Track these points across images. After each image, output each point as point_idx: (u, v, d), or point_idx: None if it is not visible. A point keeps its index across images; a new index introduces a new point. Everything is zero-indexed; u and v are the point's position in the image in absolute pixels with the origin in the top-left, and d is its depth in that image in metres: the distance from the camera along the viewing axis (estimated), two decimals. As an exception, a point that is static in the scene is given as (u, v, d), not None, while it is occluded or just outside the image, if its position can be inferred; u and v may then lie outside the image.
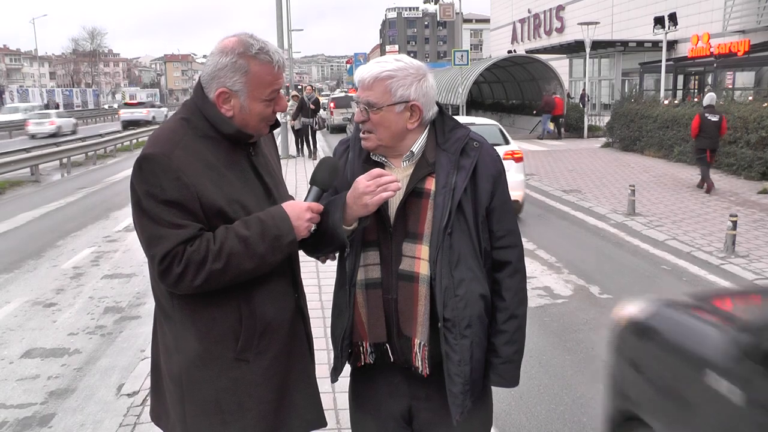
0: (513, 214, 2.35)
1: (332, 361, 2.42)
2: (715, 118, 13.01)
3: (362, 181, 2.13)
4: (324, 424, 2.40)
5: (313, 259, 2.42)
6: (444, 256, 2.16)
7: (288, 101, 12.16)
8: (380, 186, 2.11)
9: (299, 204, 2.17)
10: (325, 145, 26.12)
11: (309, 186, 2.24)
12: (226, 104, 2.13)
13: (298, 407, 2.31)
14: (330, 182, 2.25)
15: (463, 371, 2.20)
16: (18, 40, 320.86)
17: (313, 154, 21.02)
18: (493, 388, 2.44)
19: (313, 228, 2.19)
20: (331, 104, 34.70)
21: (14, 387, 5.31)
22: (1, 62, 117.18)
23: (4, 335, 6.50)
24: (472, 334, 2.21)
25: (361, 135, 2.27)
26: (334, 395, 4.29)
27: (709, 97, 13.65)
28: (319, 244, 2.25)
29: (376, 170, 2.15)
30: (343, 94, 39.42)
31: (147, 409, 4.42)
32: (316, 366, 2.46)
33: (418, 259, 2.20)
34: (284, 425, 2.28)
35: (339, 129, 32.34)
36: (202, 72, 2.19)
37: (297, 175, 16.55)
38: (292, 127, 21.25)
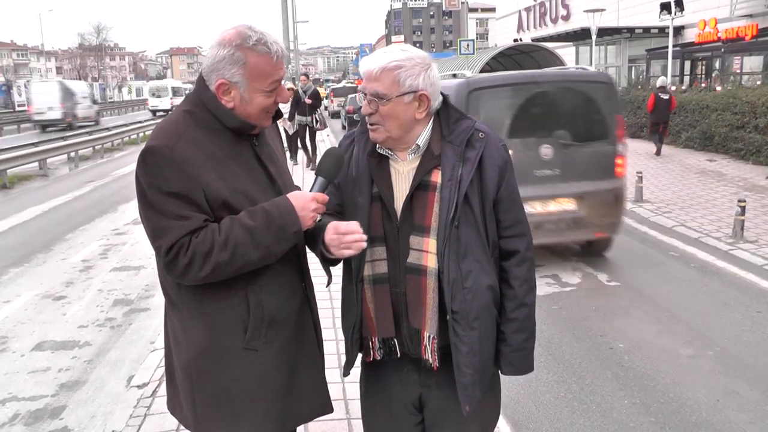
0: (520, 204, 2.33)
1: (342, 354, 2.43)
2: (665, 96, 16.27)
3: (329, 233, 2.13)
4: (330, 410, 2.42)
5: None
6: (451, 249, 2.16)
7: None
8: (343, 244, 2.10)
9: (304, 194, 2.17)
10: (331, 133, 26.08)
11: (315, 176, 2.24)
12: (226, 96, 2.14)
13: (306, 395, 2.33)
14: (335, 173, 2.25)
15: (472, 362, 2.20)
16: (25, 36, 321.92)
17: (312, 162, 16.51)
18: (502, 377, 2.44)
19: (318, 218, 2.19)
20: (331, 94, 40.52)
21: (26, 380, 5.34)
22: (8, 57, 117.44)
23: (15, 328, 6.54)
24: (480, 325, 2.21)
25: (369, 127, 2.24)
26: (344, 385, 4.29)
27: (661, 80, 17.23)
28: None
29: (345, 227, 2.12)
30: (341, 85, 43.79)
31: (157, 400, 4.46)
32: (325, 356, 2.47)
33: (426, 252, 2.20)
34: (293, 413, 2.30)
35: (335, 114, 36.44)
36: (203, 64, 2.19)
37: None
38: (286, 131, 16.62)
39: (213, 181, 2.07)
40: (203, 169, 2.07)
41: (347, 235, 2.10)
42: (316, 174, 2.23)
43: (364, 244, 2.12)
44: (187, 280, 2.09)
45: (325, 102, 32.63)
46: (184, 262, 2.03)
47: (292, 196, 2.16)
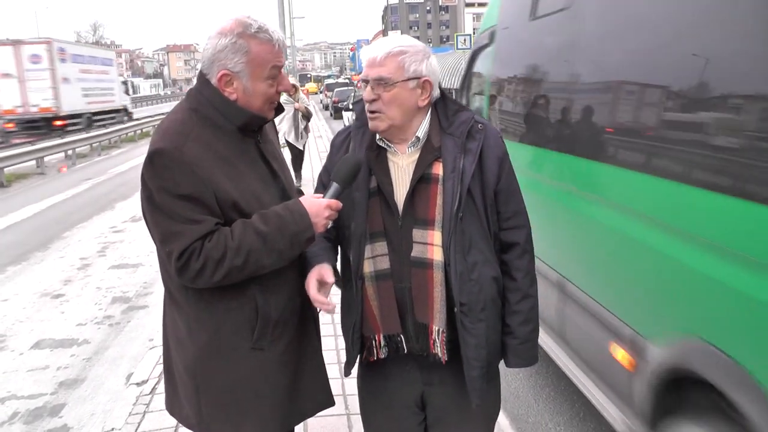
0: (519, 195, 2.32)
1: (341, 349, 2.41)
2: None
3: (309, 286, 2.17)
4: (333, 403, 2.41)
5: None
6: (457, 241, 2.14)
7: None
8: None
9: (318, 201, 2.13)
10: (328, 128, 26.00)
11: (330, 182, 2.19)
12: (228, 87, 2.08)
13: (310, 390, 2.32)
14: (351, 180, 2.19)
15: (480, 355, 2.20)
16: (20, 32, 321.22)
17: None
18: (502, 370, 2.43)
19: (330, 224, 2.17)
20: (325, 88, 47.18)
21: (24, 378, 5.34)
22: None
23: (13, 327, 6.53)
24: (487, 317, 2.21)
25: (369, 116, 2.20)
26: (342, 381, 4.28)
27: None
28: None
29: (321, 298, 2.14)
30: (334, 81, 50.95)
31: (156, 397, 4.45)
32: (323, 352, 2.46)
33: (431, 245, 2.17)
34: (298, 409, 2.29)
35: (327, 106, 40.86)
36: (201, 58, 2.14)
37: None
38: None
39: (223, 183, 2.03)
40: (213, 170, 2.02)
41: (317, 301, 2.15)
42: (331, 180, 2.19)
43: (332, 312, 2.20)
44: (198, 284, 2.04)
45: (320, 96, 36.70)
46: (196, 268, 1.99)
47: (306, 201, 2.12)
